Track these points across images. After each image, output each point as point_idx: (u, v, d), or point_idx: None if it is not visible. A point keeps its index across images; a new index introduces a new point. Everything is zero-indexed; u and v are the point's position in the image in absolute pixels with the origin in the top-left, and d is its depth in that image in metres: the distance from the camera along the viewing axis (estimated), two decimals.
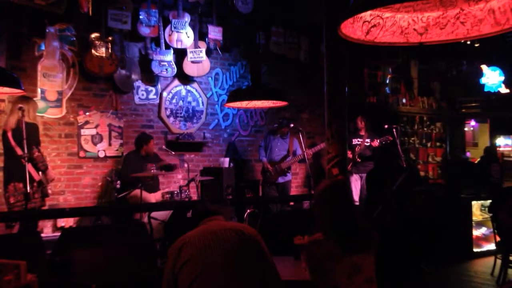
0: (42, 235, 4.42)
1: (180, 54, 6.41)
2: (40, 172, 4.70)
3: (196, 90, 6.85)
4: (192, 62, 6.45)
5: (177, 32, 6.26)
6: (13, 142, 4.55)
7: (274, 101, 4.86)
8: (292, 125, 6.33)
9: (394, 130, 6.02)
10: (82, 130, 5.85)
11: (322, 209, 2.32)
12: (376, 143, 6.50)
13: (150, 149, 5.80)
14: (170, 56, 6.22)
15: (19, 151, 4.41)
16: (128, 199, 5.49)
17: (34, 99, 5.42)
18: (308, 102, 8.00)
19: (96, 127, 5.95)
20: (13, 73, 4.07)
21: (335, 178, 3.44)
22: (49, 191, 4.95)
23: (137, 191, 5.28)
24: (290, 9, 7.27)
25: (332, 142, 3.47)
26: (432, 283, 4.83)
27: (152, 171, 5.41)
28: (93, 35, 5.69)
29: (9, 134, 4.60)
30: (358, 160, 6.59)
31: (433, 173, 9.51)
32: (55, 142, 5.68)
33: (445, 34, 2.18)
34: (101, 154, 5.97)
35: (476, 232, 5.93)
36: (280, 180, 6.49)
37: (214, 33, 6.59)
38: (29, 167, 4.47)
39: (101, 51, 5.71)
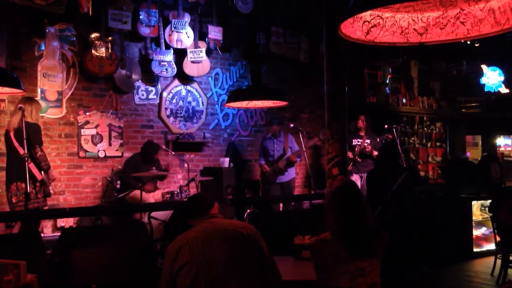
0: (42, 235, 4.42)
1: (180, 54, 6.40)
2: (42, 172, 4.71)
3: (196, 90, 6.85)
4: (192, 62, 6.45)
5: (177, 32, 6.26)
6: (15, 142, 4.56)
7: (274, 101, 4.87)
8: (292, 125, 6.34)
9: (394, 130, 6.02)
10: (82, 130, 5.85)
11: (332, 209, 2.26)
12: (376, 153, 6.54)
13: (157, 158, 5.86)
14: (170, 56, 6.22)
15: (21, 151, 4.41)
16: (128, 199, 5.49)
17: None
18: (308, 102, 8.00)
19: (96, 127, 5.95)
20: (13, 73, 4.07)
21: (335, 178, 3.43)
22: (51, 191, 4.96)
23: (137, 191, 5.28)
24: (290, 9, 7.26)
25: (332, 142, 3.47)
26: (432, 283, 4.82)
27: (152, 170, 5.43)
28: (93, 35, 5.69)
29: (12, 134, 4.62)
30: (359, 160, 6.59)
31: (433, 173, 9.51)
32: (55, 142, 5.68)
33: (445, 34, 2.18)
34: (101, 154, 5.97)
35: (476, 232, 5.93)
36: (285, 178, 6.51)
37: (214, 33, 6.59)
38: (31, 166, 4.49)
39: (101, 51, 5.71)
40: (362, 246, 2.16)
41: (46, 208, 4.86)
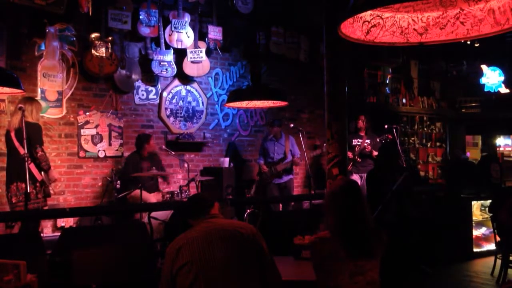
0: (42, 235, 4.42)
1: (180, 54, 6.41)
2: (42, 172, 4.71)
3: (196, 90, 6.85)
4: (192, 62, 6.45)
5: (177, 32, 6.26)
6: (16, 142, 4.56)
7: (274, 101, 4.87)
8: (292, 125, 6.34)
9: (394, 130, 6.02)
10: (82, 130, 5.85)
11: (333, 208, 2.25)
12: (376, 153, 6.54)
13: (152, 147, 5.82)
14: (170, 56, 6.22)
15: (22, 151, 4.41)
16: (128, 199, 5.49)
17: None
18: (308, 102, 8.00)
19: (96, 127, 5.95)
20: (13, 73, 4.07)
21: (335, 178, 3.43)
22: (52, 191, 4.96)
23: (137, 191, 5.28)
24: (290, 9, 7.26)
25: (332, 142, 3.47)
26: (432, 283, 4.82)
27: (152, 171, 5.43)
28: (93, 35, 5.69)
29: (12, 134, 4.62)
30: (358, 160, 6.60)
31: (433, 173, 9.51)
32: (55, 142, 5.68)
33: (445, 34, 2.18)
34: (101, 154, 5.97)
35: (476, 232, 5.93)
36: (284, 179, 6.51)
37: (214, 33, 6.59)
38: (31, 166, 4.49)
39: (101, 51, 5.71)
40: (361, 246, 2.17)
41: (46, 208, 4.86)
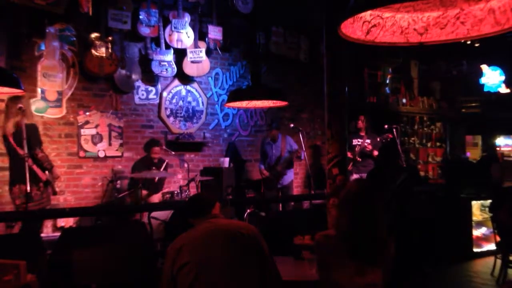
0: (42, 235, 4.42)
1: (180, 54, 6.41)
2: (46, 171, 4.70)
3: (196, 90, 6.85)
4: (192, 62, 6.45)
5: (177, 32, 6.26)
6: (14, 144, 4.55)
7: (274, 101, 4.86)
8: (292, 125, 6.33)
9: (394, 130, 6.02)
10: (82, 130, 5.85)
11: (346, 209, 2.20)
12: (376, 152, 6.53)
13: (156, 153, 5.82)
14: (170, 56, 6.22)
15: (21, 152, 4.40)
16: (128, 199, 5.49)
17: (34, 99, 5.45)
18: (308, 102, 8.00)
19: (96, 127, 5.95)
20: (13, 73, 4.06)
21: (335, 178, 3.43)
22: (57, 189, 4.96)
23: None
24: (290, 9, 7.26)
25: (332, 142, 3.47)
26: (432, 283, 4.82)
27: (153, 172, 5.43)
28: (93, 35, 5.69)
29: (10, 138, 4.59)
30: (359, 159, 6.59)
31: (433, 173, 9.50)
32: (55, 142, 5.68)
33: (445, 34, 2.17)
34: (101, 154, 5.97)
35: (476, 232, 5.93)
36: (283, 182, 6.47)
37: (214, 33, 6.59)
38: (34, 167, 4.49)
39: (101, 51, 5.71)
40: (364, 253, 2.14)
41: (48, 207, 4.86)
